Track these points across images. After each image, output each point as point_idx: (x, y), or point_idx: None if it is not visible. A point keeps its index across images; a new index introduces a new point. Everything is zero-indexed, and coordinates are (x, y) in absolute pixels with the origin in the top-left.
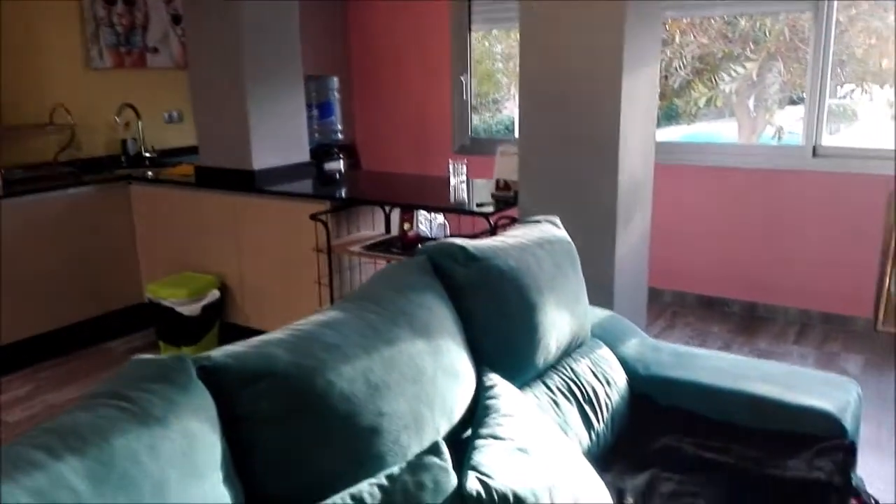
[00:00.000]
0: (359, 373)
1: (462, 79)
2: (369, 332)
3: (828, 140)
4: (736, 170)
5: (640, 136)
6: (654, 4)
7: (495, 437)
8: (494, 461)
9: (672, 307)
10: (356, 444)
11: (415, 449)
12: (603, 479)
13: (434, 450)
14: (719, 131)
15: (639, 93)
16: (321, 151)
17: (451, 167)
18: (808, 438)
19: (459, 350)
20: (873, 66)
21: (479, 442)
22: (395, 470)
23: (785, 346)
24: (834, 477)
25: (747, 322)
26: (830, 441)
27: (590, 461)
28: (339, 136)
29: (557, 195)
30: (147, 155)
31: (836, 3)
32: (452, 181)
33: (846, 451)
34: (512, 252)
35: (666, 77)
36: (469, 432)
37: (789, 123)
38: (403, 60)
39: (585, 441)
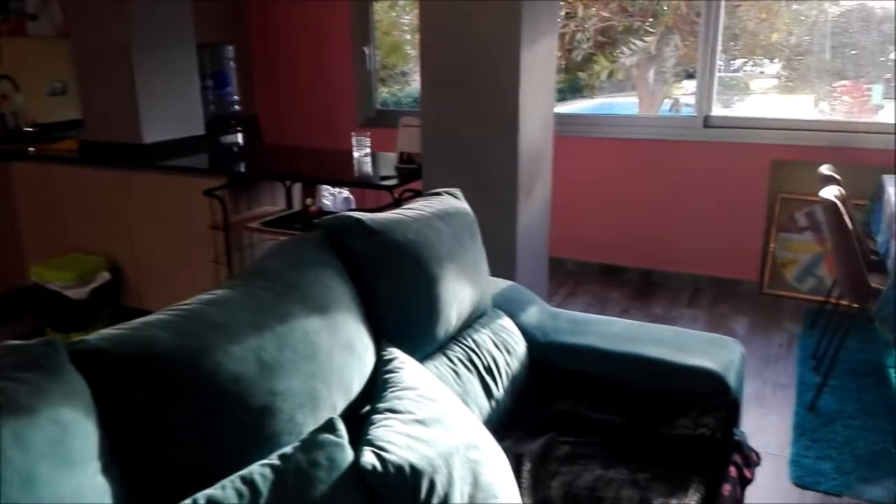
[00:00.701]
0: (249, 352)
1: (365, 50)
2: (260, 310)
3: (720, 111)
4: (635, 141)
5: (540, 107)
6: None
7: (393, 411)
8: (391, 434)
9: (575, 276)
10: (248, 426)
11: (311, 427)
12: (502, 445)
13: (329, 427)
14: (623, 104)
15: (538, 65)
16: (218, 124)
17: (353, 140)
18: (695, 397)
19: (357, 325)
20: (764, 41)
21: (376, 417)
22: (287, 449)
23: (678, 309)
24: (717, 432)
25: (644, 288)
26: (715, 399)
27: (490, 429)
28: (237, 107)
29: (460, 167)
30: (28, 129)
31: None
32: (356, 154)
33: (729, 408)
34: (411, 225)
35: (570, 50)
36: (368, 408)
37: (686, 96)
38: (305, 30)
39: (486, 409)
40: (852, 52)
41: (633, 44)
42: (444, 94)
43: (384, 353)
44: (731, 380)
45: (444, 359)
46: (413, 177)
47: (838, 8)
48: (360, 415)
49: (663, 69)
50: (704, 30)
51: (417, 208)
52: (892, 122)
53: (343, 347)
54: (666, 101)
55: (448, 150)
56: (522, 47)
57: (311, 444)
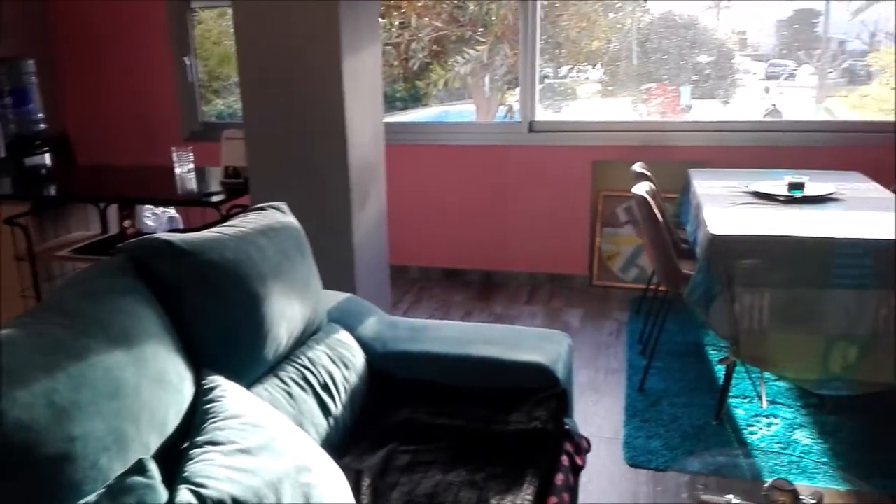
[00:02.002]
0: (39, 397)
1: (186, 60)
2: (52, 349)
3: (545, 116)
4: (469, 147)
5: (369, 116)
6: None
7: (214, 443)
8: (211, 468)
9: (419, 282)
10: (42, 477)
11: (118, 471)
12: (342, 463)
13: (138, 468)
14: (462, 111)
15: (362, 73)
16: (21, 145)
17: (174, 156)
18: (527, 392)
19: (171, 355)
20: (585, 48)
21: (194, 451)
22: (91, 498)
23: (518, 307)
24: (549, 424)
25: (485, 289)
26: (546, 391)
27: (330, 448)
28: (43, 126)
29: (289, 180)
30: None
31: None
32: (178, 171)
33: (559, 399)
34: (229, 243)
35: (406, 60)
36: (188, 443)
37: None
38: (119, 41)
39: (324, 428)
40: (663, 57)
41: (466, 53)
42: (266, 105)
43: (204, 382)
44: (560, 372)
45: (276, 381)
46: (240, 191)
47: (649, 16)
48: (179, 451)
49: (496, 77)
50: (523, 39)
51: (237, 225)
52: (699, 120)
53: (153, 381)
54: (501, 107)
55: (274, 162)
56: (344, 55)
57: (118, 489)
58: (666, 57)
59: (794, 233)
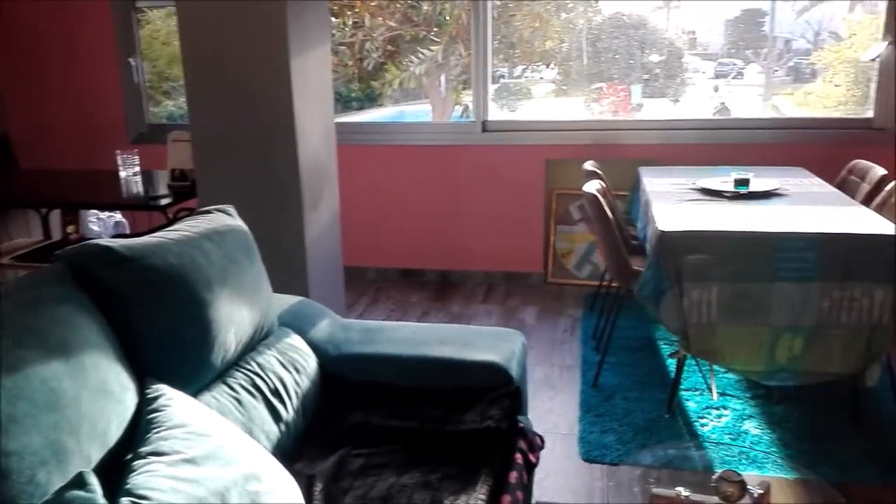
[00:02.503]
0: None
1: (131, 61)
2: None
3: (499, 116)
4: (424, 147)
5: (319, 117)
6: None
7: (157, 453)
8: (154, 480)
9: (376, 283)
10: None
11: (57, 485)
12: (294, 469)
13: (77, 482)
14: (418, 111)
15: (311, 74)
16: None
17: (119, 159)
18: (481, 391)
19: (113, 364)
20: (539, 48)
21: (137, 462)
22: None
23: (474, 306)
24: (502, 423)
25: (442, 289)
26: (499, 390)
27: (282, 454)
28: None
29: (238, 182)
30: None
31: None
32: (123, 174)
33: (512, 397)
34: (173, 248)
35: (361, 59)
36: (132, 455)
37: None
38: (62, 40)
39: (275, 435)
40: (615, 56)
41: (421, 53)
42: (213, 106)
43: (148, 391)
44: (514, 370)
45: (225, 388)
46: (187, 195)
47: (600, 16)
48: (122, 463)
49: (452, 77)
50: (475, 39)
51: (182, 230)
52: (650, 119)
53: (94, 391)
54: (457, 107)
55: (222, 164)
56: (292, 55)
57: None
58: (617, 56)
59: (739, 228)
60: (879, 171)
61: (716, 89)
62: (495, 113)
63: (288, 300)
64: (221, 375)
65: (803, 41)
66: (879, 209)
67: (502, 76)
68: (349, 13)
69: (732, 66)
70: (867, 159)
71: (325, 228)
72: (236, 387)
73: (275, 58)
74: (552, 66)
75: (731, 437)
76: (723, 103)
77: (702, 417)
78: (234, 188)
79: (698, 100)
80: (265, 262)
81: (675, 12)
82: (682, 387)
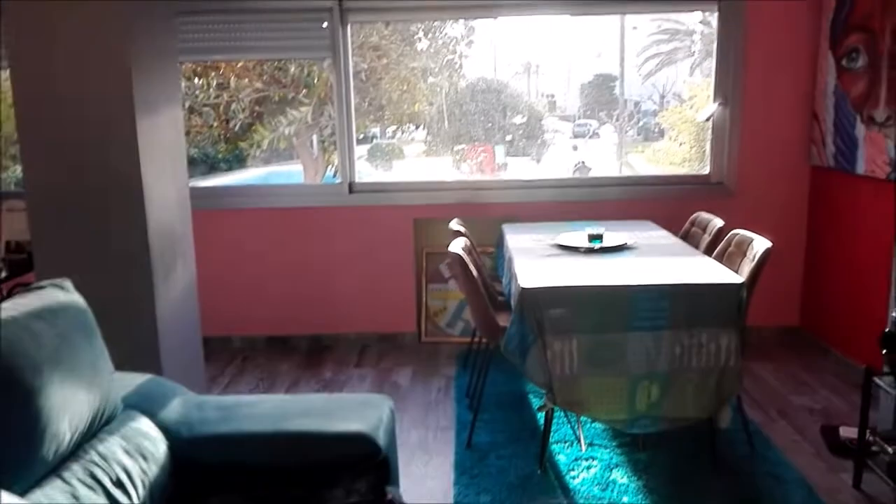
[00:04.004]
0: None
1: None
2: None
3: (367, 176)
4: (292, 210)
5: (170, 181)
6: (167, 46)
7: None
8: None
9: (242, 353)
10: None
11: None
12: None
13: None
14: (291, 171)
15: (160, 137)
16: None
17: None
18: (347, 463)
19: None
20: (408, 110)
21: None
22: None
23: (348, 371)
24: (368, 496)
25: (314, 355)
26: (366, 461)
27: None
28: None
29: (80, 252)
30: None
31: (350, 56)
32: None
33: (379, 468)
34: None
35: (227, 121)
36: None
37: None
38: None
39: None
40: (481, 118)
41: (290, 113)
42: (51, 171)
43: None
44: (381, 438)
45: (59, 482)
46: (25, 268)
47: (465, 81)
48: None
49: (323, 137)
50: (338, 101)
51: (8, 309)
52: (512, 178)
53: None
54: (330, 168)
55: (62, 234)
56: (138, 116)
57: None
58: (483, 118)
59: (594, 282)
60: (718, 222)
61: (575, 148)
62: (369, 171)
63: (134, 379)
64: (56, 469)
65: (651, 103)
66: (720, 258)
67: (374, 136)
68: (213, 74)
69: (588, 126)
70: (707, 211)
71: (179, 299)
72: (73, 480)
73: (119, 120)
74: (422, 127)
75: (601, 487)
76: (582, 161)
77: (572, 469)
78: (76, 259)
79: (559, 158)
80: (111, 338)
81: (535, 77)
82: (552, 440)
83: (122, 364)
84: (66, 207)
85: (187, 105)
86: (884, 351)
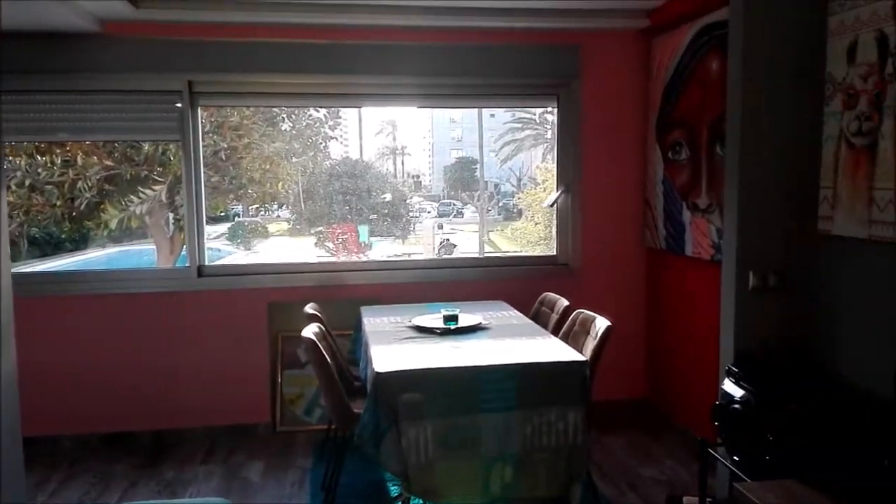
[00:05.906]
0: None
1: None
2: None
3: (219, 259)
4: (135, 295)
5: None
6: None
7: None
8: None
9: (72, 454)
10: None
11: None
12: None
13: None
14: (145, 250)
15: None
16: None
17: None
18: None
19: None
20: (271, 189)
21: None
22: None
23: (193, 468)
24: None
25: (155, 452)
26: None
27: None
28: None
29: None
30: None
31: (201, 139)
32: None
33: None
34: None
35: (72, 199)
36: None
37: (208, 241)
38: None
39: None
40: (346, 198)
41: (143, 192)
42: None
43: None
44: None
45: None
46: None
47: (329, 161)
48: None
49: (179, 216)
50: (186, 181)
51: None
52: (371, 259)
53: None
54: (185, 247)
55: None
56: None
57: None
58: (347, 198)
59: (447, 364)
60: (564, 302)
61: (440, 227)
62: (230, 250)
63: None
64: None
65: (509, 185)
66: (565, 337)
67: (238, 214)
68: (59, 151)
69: (453, 205)
70: (555, 291)
71: None
72: None
73: None
74: (285, 206)
75: None
76: (447, 239)
77: None
78: None
79: (425, 237)
80: None
81: (401, 158)
82: None
83: None
84: None
85: (27, 183)
86: (715, 423)
